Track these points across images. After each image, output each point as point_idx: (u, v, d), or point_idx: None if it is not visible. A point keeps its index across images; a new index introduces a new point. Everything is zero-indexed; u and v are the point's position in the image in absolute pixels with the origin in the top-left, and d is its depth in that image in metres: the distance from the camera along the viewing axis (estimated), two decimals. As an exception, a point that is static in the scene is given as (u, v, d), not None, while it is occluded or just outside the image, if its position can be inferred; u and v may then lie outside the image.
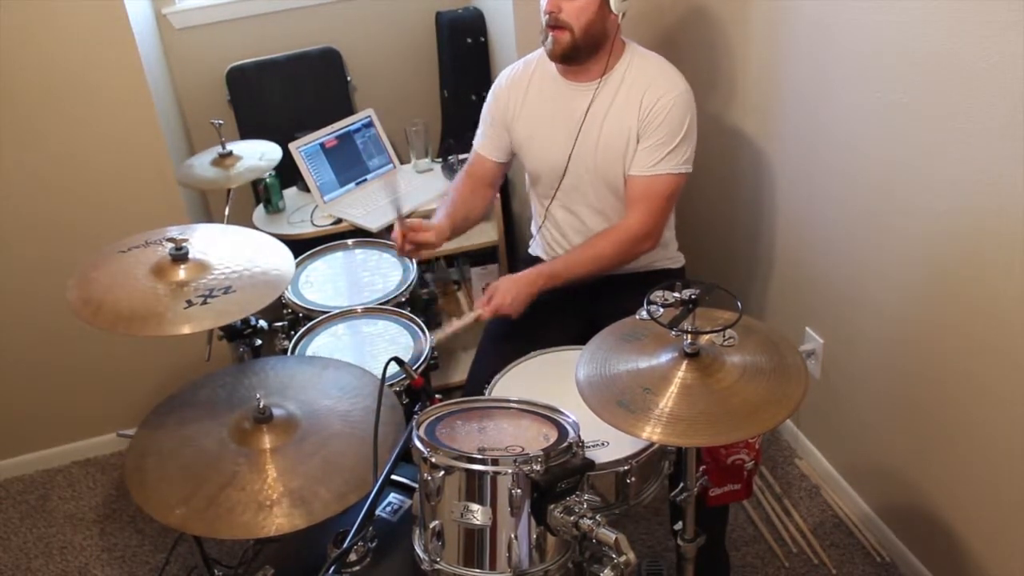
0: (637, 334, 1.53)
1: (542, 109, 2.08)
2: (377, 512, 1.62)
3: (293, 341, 2.13)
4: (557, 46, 1.95)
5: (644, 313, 1.46)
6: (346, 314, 2.22)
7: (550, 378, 1.76)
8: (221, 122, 2.30)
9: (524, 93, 2.10)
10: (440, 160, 2.98)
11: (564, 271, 2.02)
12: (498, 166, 2.20)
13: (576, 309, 2.11)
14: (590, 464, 1.38)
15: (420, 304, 2.43)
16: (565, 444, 1.36)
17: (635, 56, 2.03)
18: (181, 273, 1.64)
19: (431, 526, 1.35)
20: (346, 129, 2.89)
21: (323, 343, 2.14)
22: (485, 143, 2.19)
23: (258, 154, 2.31)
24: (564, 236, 2.17)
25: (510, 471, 1.30)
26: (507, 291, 1.97)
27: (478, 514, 1.31)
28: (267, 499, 1.46)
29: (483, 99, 3.00)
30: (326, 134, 2.84)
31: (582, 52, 1.96)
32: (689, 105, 1.99)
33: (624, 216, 2.04)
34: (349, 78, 3.06)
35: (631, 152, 2.00)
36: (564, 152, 2.04)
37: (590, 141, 2.02)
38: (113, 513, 2.61)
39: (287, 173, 2.77)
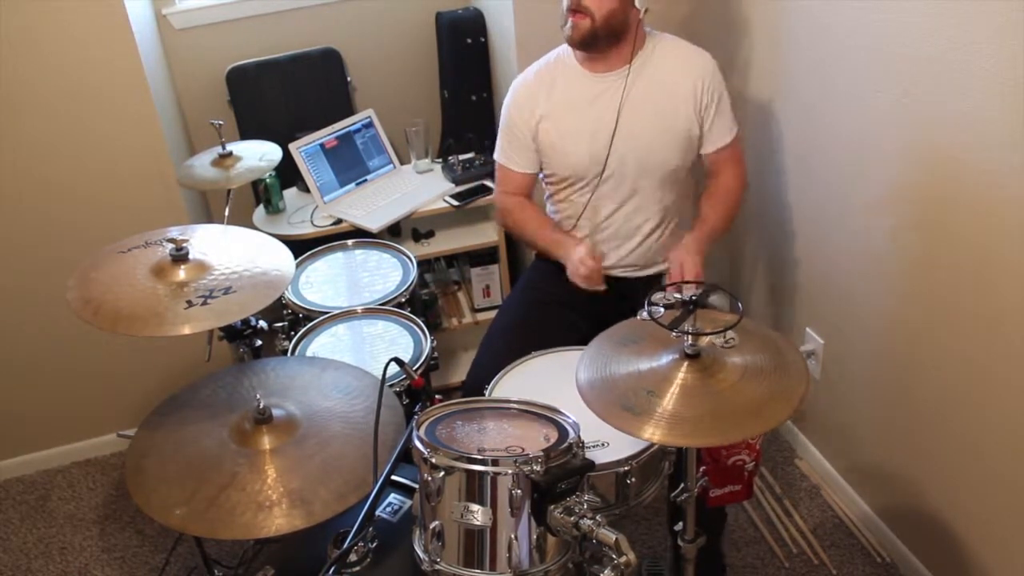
0: (636, 337, 1.54)
1: (571, 107, 2.05)
2: (377, 512, 1.62)
3: (293, 342, 2.13)
4: (576, 31, 1.95)
5: (644, 314, 1.46)
6: (346, 314, 2.22)
7: (550, 378, 1.76)
8: (221, 122, 2.30)
9: (549, 93, 2.07)
10: (440, 160, 2.98)
11: (716, 228, 2.07)
12: (531, 177, 2.16)
13: (582, 310, 2.11)
14: (590, 465, 1.38)
15: (420, 304, 2.42)
16: (565, 445, 1.36)
17: (656, 41, 2.04)
18: (181, 273, 1.64)
19: (431, 526, 1.35)
20: (346, 129, 2.89)
21: (323, 344, 2.14)
22: (514, 157, 2.13)
23: (258, 154, 2.31)
24: (598, 229, 2.14)
25: (510, 471, 1.30)
26: (693, 265, 1.93)
27: (478, 514, 1.31)
28: (267, 500, 1.46)
29: (483, 99, 3.05)
30: (326, 134, 2.84)
31: (600, 40, 1.96)
32: (717, 67, 2.06)
33: (719, 177, 2.12)
34: (349, 78, 3.06)
35: (691, 136, 2.04)
36: (603, 144, 2.02)
37: (632, 128, 2.01)
38: (113, 514, 2.61)
39: (287, 173, 2.77)
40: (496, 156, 2.18)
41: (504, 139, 2.15)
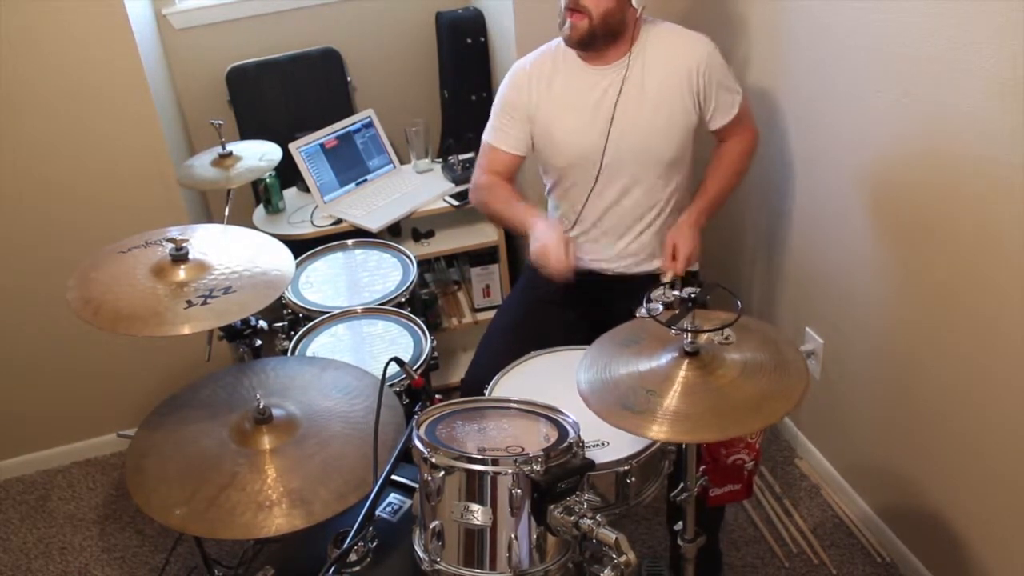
0: (635, 338, 1.54)
1: (569, 98, 2.04)
2: (377, 512, 1.62)
3: (293, 341, 2.13)
4: (574, 32, 1.95)
5: (643, 311, 1.46)
6: (346, 314, 2.22)
7: (550, 378, 1.76)
8: (221, 122, 2.30)
9: (548, 83, 2.06)
10: (440, 160, 2.98)
11: (717, 198, 2.08)
12: (519, 160, 2.13)
13: (582, 310, 2.11)
14: (590, 464, 1.38)
15: (420, 304, 2.42)
16: (565, 444, 1.36)
17: (650, 29, 2.04)
18: (181, 273, 1.64)
19: (431, 526, 1.35)
20: (346, 129, 2.89)
21: (323, 343, 2.14)
22: (505, 138, 2.10)
23: (258, 154, 2.31)
24: (598, 222, 2.12)
25: (510, 471, 1.30)
26: (687, 242, 1.96)
27: (478, 514, 1.31)
28: (267, 500, 1.46)
29: (483, 99, 3.05)
30: (326, 134, 2.84)
31: (599, 39, 1.96)
32: (714, 48, 2.06)
33: (731, 139, 2.14)
34: (349, 78, 3.06)
35: (688, 126, 2.04)
36: (601, 136, 2.01)
37: (629, 120, 2.01)
38: (113, 514, 2.61)
39: (287, 173, 2.77)
40: (485, 136, 2.15)
41: (497, 119, 2.12)
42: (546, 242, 1.92)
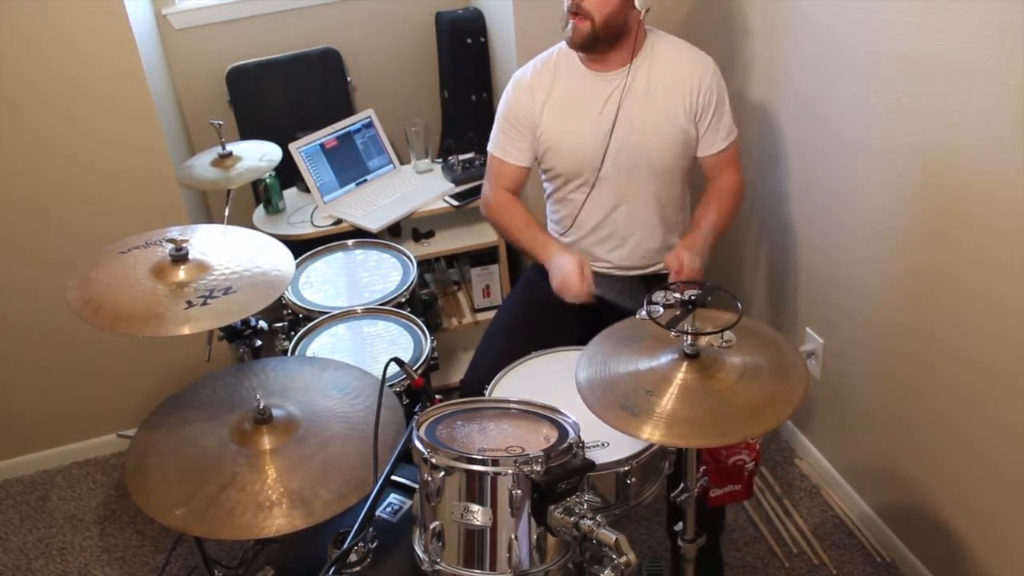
0: (635, 337, 1.53)
1: (571, 104, 2.05)
2: (377, 513, 1.62)
3: (293, 342, 2.13)
4: (576, 34, 1.95)
5: (644, 313, 1.46)
6: (346, 315, 2.22)
7: (550, 378, 1.76)
8: (221, 122, 2.30)
9: (549, 90, 2.06)
10: (440, 160, 2.98)
11: (715, 234, 2.06)
12: (525, 172, 2.14)
13: (582, 310, 2.11)
14: (590, 465, 1.38)
15: (420, 304, 2.42)
16: (565, 445, 1.36)
17: (656, 40, 2.05)
18: (181, 274, 1.64)
19: (431, 527, 1.35)
20: (346, 129, 2.89)
21: (323, 344, 2.14)
22: (510, 151, 2.11)
23: (258, 155, 2.31)
24: (597, 228, 2.13)
25: (510, 472, 1.30)
26: (691, 261, 1.94)
27: (478, 515, 1.31)
28: (267, 500, 1.46)
29: (483, 99, 3.05)
30: (326, 134, 2.84)
31: (601, 42, 1.96)
32: (718, 71, 2.06)
33: (717, 180, 2.11)
34: (349, 78, 3.06)
35: (688, 137, 2.04)
36: (601, 143, 2.02)
37: (630, 128, 2.01)
38: (113, 514, 2.61)
39: (287, 173, 2.76)
40: (490, 148, 2.16)
41: (501, 131, 2.13)
42: (565, 275, 1.96)
